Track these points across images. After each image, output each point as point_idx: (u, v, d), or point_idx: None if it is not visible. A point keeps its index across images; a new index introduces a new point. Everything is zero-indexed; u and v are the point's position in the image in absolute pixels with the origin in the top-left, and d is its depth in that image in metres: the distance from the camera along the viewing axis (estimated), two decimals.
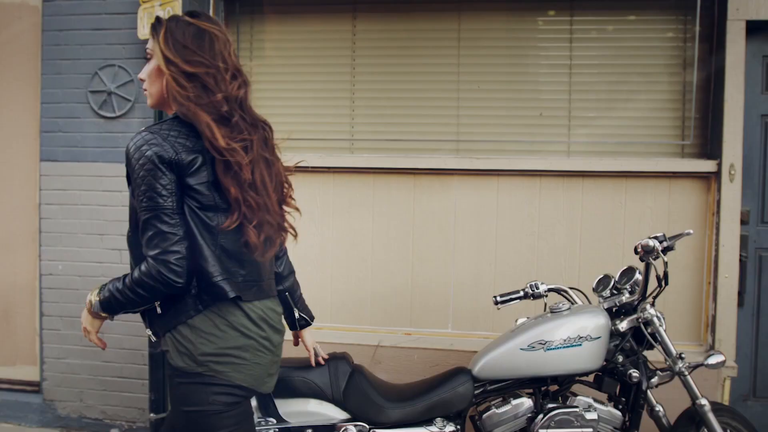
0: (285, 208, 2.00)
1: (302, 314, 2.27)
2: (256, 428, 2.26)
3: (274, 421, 2.32)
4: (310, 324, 2.33)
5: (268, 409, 2.33)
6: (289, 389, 2.34)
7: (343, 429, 2.31)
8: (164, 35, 1.73)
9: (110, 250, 3.58)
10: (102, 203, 3.59)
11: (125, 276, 1.76)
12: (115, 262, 3.57)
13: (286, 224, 1.99)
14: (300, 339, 2.37)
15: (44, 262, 3.68)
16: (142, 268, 1.69)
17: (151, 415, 3.35)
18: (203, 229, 1.72)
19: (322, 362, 2.37)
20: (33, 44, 3.71)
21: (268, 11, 3.78)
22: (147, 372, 3.47)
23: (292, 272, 2.24)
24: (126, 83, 3.51)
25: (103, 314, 1.82)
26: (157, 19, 1.82)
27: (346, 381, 2.36)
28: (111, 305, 1.79)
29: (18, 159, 3.79)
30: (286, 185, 1.99)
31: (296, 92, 3.76)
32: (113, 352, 3.58)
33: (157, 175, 1.66)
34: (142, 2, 3.33)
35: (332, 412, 2.35)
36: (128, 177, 1.74)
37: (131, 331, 3.55)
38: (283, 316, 2.03)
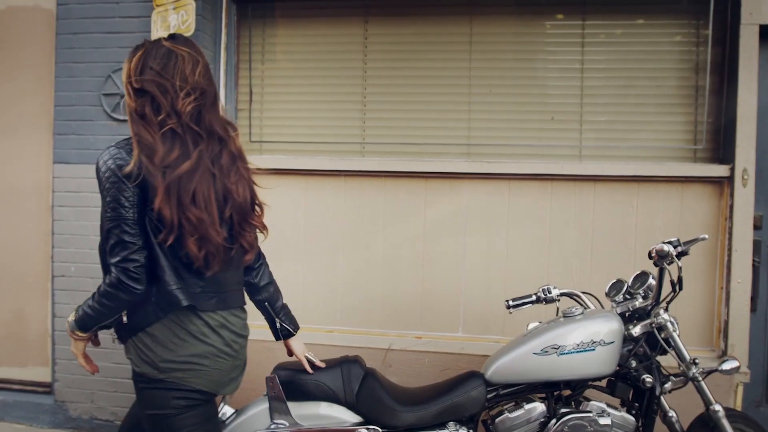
0: (252, 223, 2.04)
1: (284, 324, 2.30)
2: (271, 431, 2.29)
3: (287, 424, 2.33)
4: (293, 334, 2.34)
5: (281, 412, 2.33)
6: (302, 392, 2.36)
7: None
8: (139, 55, 1.85)
9: None
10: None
11: (95, 292, 1.85)
12: None
13: (244, 241, 2.00)
14: (289, 349, 2.39)
15: (57, 264, 3.70)
16: (106, 279, 1.81)
17: None
18: (164, 246, 1.80)
19: (321, 364, 2.39)
20: (47, 47, 3.74)
21: (280, 15, 3.80)
22: None
23: (270, 282, 2.26)
24: None
25: (80, 333, 1.91)
26: (144, 41, 1.94)
27: (359, 384, 2.37)
28: (85, 322, 1.88)
29: (31, 161, 3.82)
30: (256, 201, 2.04)
31: (308, 96, 3.77)
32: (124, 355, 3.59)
33: (121, 187, 1.75)
34: (156, 5, 3.35)
35: (345, 416, 2.36)
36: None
37: None
38: (244, 325, 2.07)
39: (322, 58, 3.76)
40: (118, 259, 1.76)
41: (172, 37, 1.92)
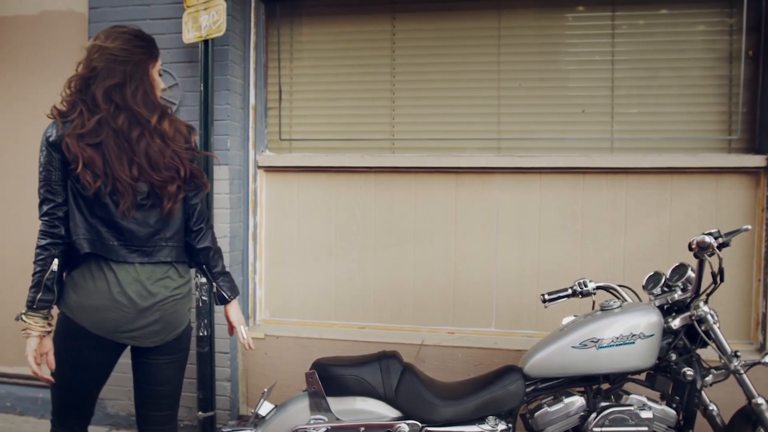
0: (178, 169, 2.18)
1: (220, 290, 2.37)
2: (309, 427, 2.32)
3: (326, 419, 2.35)
4: (227, 300, 2.39)
5: (320, 407, 2.35)
6: (342, 387, 2.37)
7: (396, 427, 2.32)
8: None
9: None
10: None
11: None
12: None
13: (162, 194, 2.15)
14: (226, 315, 2.45)
15: None
16: (38, 234, 2.10)
17: (200, 413, 3.40)
18: (79, 198, 2.08)
19: (248, 347, 2.45)
20: (80, 51, 3.78)
21: (307, 14, 3.82)
22: (194, 371, 3.51)
23: (208, 247, 2.32)
24: (171, 87, 3.56)
25: (31, 315, 2.09)
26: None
27: (398, 379, 2.37)
28: (32, 296, 2.08)
29: None
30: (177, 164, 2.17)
31: (337, 93, 3.79)
32: None
33: (46, 153, 2.08)
34: (187, 6, 3.38)
35: (384, 410, 2.37)
36: None
37: None
38: (166, 282, 2.20)
39: (351, 55, 3.77)
40: (42, 212, 2.09)
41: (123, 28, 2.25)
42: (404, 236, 3.69)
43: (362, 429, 2.33)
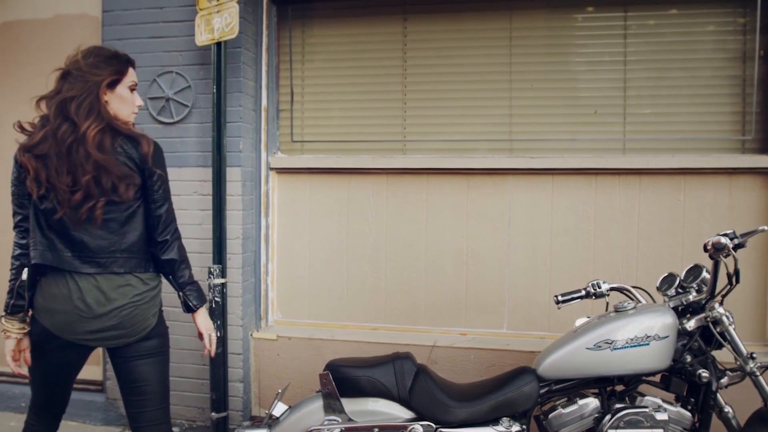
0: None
1: (186, 299, 2.40)
2: (323, 427, 2.32)
3: (340, 420, 2.36)
4: (193, 310, 2.43)
5: (334, 408, 2.36)
6: (356, 388, 2.38)
7: (410, 428, 2.32)
8: None
9: None
10: None
11: None
12: None
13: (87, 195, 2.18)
14: (194, 322, 2.49)
15: None
16: None
17: (213, 414, 3.42)
18: (38, 210, 2.18)
19: (206, 354, 2.51)
20: None
21: (319, 16, 3.83)
22: (207, 372, 3.53)
23: (172, 260, 2.32)
24: (183, 89, 3.59)
25: (9, 319, 2.24)
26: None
27: (412, 380, 2.38)
28: (6, 302, 2.23)
29: None
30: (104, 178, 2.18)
31: (348, 95, 3.79)
32: (173, 353, 3.61)
33: (13, 168, 2.21)
34: (200, 9, 3.40)
35: (398, 412, 2.37)
36: None
37: (191, 332, 3.61)
38: (126, 289, 2.24)
39: (362, 57, 3.78)
40: (14, 225, 2.25)
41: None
42: (416, 237, 3.69)
43: (376, 430, 2.33)
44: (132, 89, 2.33)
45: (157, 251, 2.30)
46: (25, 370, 2.29)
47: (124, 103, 2.28)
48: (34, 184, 2.14)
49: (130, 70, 2.33)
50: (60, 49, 3.88)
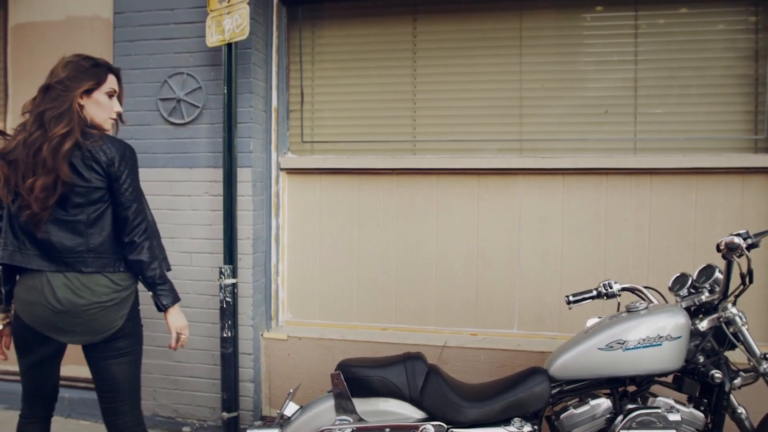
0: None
1: (157, 298, 2.45)
2: (335, 427, 2.33)
3: (351, 420, 2.36)
4: (162, 310, 2.48)
5: (346, 408, 2.36)
6: (367, 388, 2.38)
7: (421, 428, 2.32)
8: None
9: (180, 252, 3.67)
10: (172, 207, 3.69)
11: None
12: (185, 264, 3.66)
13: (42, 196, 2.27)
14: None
15: None
16: None
17: (224, 413, 3.43)
18: (10, 213, 2.31)
19: (173, 347, 2.54)
20: (105, 55, 3.81)
21: (328, 16, 3.83)
22: (218, 372, 3.54)
23: (140, 261, 2.38)
24: (194, 90, 3.60)
25: None
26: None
27: (423, 380, 2.38)
28: None
29: None
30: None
31: (358, 95, 3.80)
32: (185, 353, 3.68)
33: None
34: (211, 11, 3.41)
35: (410, 412, 2.37)
36: None
37: (202, 332, 3.64)
38: (95, 290, 2.33)
39: (372, 57, 3.78)
40: None
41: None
42: (426, 238, 3.69)
43: (387, 430, 2.33)
44: (110, 95, 2.42)
45: (126, 252, 2.37)
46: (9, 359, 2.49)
47: (101, 108, 2.39)
48: (5, 189, 2.28)
49: (110, 77, 2.42)
50: (72, 51, 3.88)
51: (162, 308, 2.47)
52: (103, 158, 2.27)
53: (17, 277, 2.39)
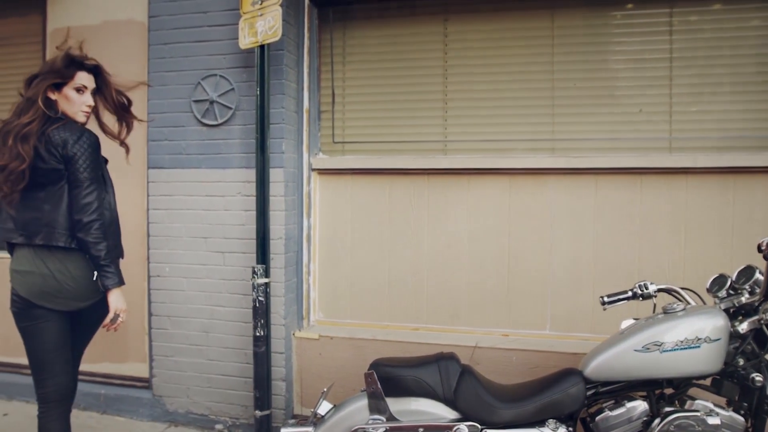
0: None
1: (99, 278, 2.61)
2: (368, 426, 2.33)
3: (385, 419, 2.37)
4: (102, 290, 2.63)
5: (379, 407, 2.37)
6: (401, 388, 2.38)
7: (455, 428, 2.32)
8: None
9: (213, 252, 3.72)
10: (205, 207, 3.74)
11: None
12: (218, 264, 3.71)
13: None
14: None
15: (152, 265, 3.87)
16: None
17: (256, 411, 3.46)
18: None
19: (107, 326, 2.67)
20: (140, 58, 3.91)
21: (359, 17, 3.85)
22: (250, 370, 3.58)
23: (83, 240, 2.55)
24: (227, 92, 3.65)
25: None
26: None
27: (457, 380, 2.37)
28: None
29: (127, 167, 3.99)
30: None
31: (389, 95, 3.81)
32: (218, 351, 3.73)
33: None
34: (243, 13, 3.45)
35: (443, 412, 2.37)
36: None
37: (235, 330, 3.68)
38: (54, 261, 2.58)
39: (403, 58, 3.78)
40: None
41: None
42: (457, 238, 3.68)
43: (421, 430, 2.34)
44: (79, 90, 2.66)
45: (75, 230, 2.56)
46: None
47: (70, 102, 2.65)
48: None
49: (80, 74, 2.66)
50: (108, 55, 3.98)
51: (103, 288, 2.61)
52: (57, 140, 2.52)
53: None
